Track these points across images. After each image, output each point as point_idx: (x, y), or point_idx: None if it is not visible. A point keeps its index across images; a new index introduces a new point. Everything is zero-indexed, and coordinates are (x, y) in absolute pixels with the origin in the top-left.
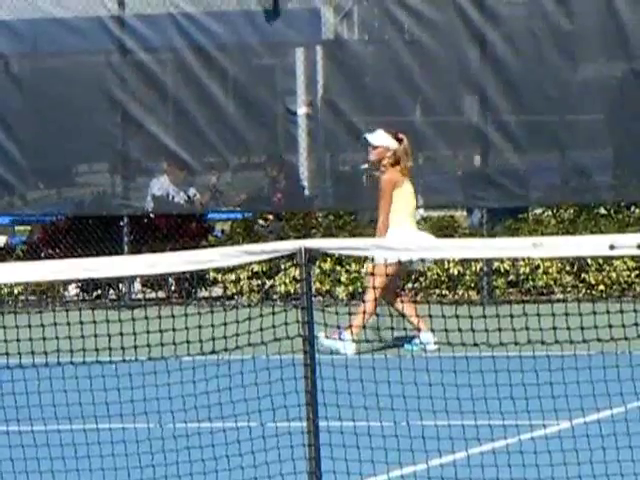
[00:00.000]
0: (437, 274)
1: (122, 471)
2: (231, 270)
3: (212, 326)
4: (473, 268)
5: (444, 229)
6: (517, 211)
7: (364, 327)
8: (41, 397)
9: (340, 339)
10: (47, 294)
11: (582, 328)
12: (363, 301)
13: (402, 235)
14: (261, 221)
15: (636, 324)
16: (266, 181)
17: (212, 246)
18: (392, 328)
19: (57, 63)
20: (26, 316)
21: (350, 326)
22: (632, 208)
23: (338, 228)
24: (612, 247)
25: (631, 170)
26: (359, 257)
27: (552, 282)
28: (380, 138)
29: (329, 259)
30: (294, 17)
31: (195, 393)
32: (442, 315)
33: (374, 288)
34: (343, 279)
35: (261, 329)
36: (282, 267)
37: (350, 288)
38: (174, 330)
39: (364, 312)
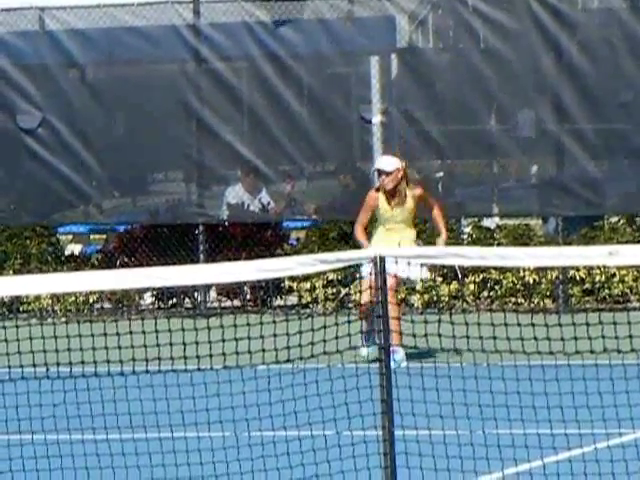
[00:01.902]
0: (513, 282)
1: None
2: (306, 278)
3: (287, 334)
4: (549, 276)
5: (519, 237)
6: (593, 219)
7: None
8: (116, 405)
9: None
10: (122, 303)
11: None
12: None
13: None
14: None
15: None
16: (341, 189)
17: (287, 254)
18: (467, 337)
19: (132, 72)
20: (102, 325)
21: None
22: None
23: None
24: None
25: None
26: (435, 265)
27: (628, 290)
28: (392, 163)
29: None
30: (369, 25)
31: (270, 402)
32: (518, 323)
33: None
34: (418, 287)
35: (336, 337)
36: (357, 275)
37: (425, 296)
38: (249, 339)
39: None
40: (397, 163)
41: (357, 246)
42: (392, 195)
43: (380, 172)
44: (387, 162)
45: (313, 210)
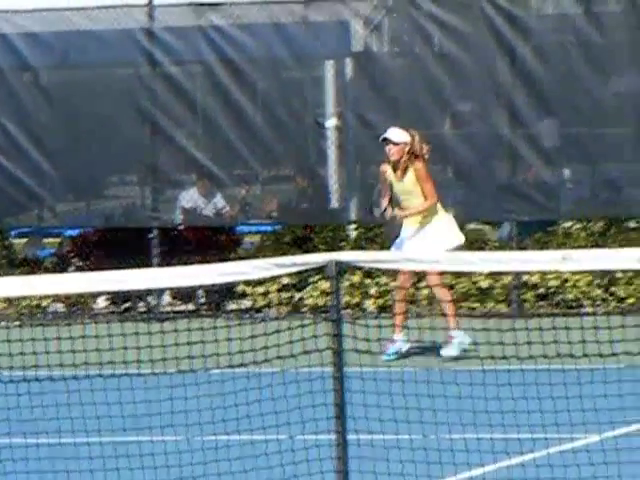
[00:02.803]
0: (467, 287)
1: None
2: (260, 283)
3: (241, 339)
4: (503, 281)
5: (474, 242)
6: (547, 224)
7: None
8: (70, 409)
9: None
10: (76, 306)
11: (611, 341)
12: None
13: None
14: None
15: None
16: (295, 194)
17: (241, 259)
18: (421, 341)
19: (87, 75)
20: (55, 328)
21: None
22: None
23: (367, 240)
24: None
25: None
26: (388, 270)
27: (581, 295)
28: (400, 135)
29: (358, 272)
30: (323, 29)
31: (224, 406)
32: (471, 328)
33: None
34: (372, 292)
35: (290, 342)
36: (311, 280)
37: (379, 301)
38: (203, 343)
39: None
40: (406, 137)
41: (310, 250)
42: (395, 168)
43: (387, 141)
44: (396, 133)
45: (267, 214)
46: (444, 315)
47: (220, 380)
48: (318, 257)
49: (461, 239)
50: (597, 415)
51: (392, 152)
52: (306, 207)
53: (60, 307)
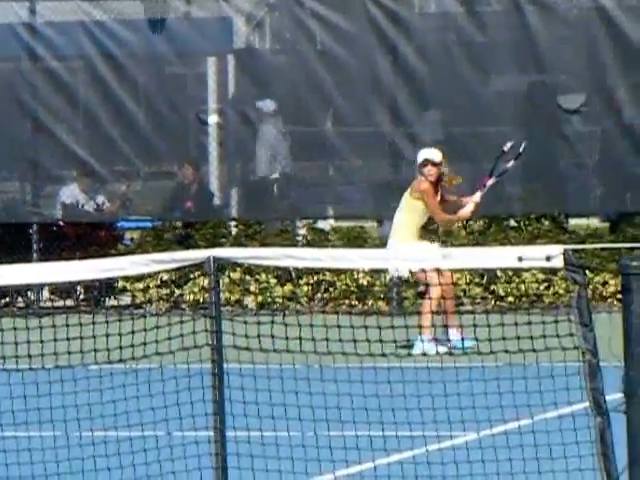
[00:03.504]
0: (346, 284)
1: None
2: (140, 279)
3: (120, 335)
4: (382, 279)
5: (354, 240)
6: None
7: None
8: None
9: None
10: None
11: (490, 340)
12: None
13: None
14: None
15: (544, 336)
16: (176, 190)
17: (121, 254)
18: (300, 338)
19: None
20: None
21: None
22: (541, 220)
23: (247, 237)
24: (521, 259)
25: (541, 182)
26: (268, 267)
27: (461, 293)
28: (439, 155)
29: (238, 269)
30: (206, 26)
31: (102, 401)
32: (351, 325)
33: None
34: (252, 289)
35: (169, 338)
36: (191, 276)
37: (259, 298)
38: (82, 338)
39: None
40: (440, 157)
41: (191, 247)
42: (434, 186)
43: (428, 162)
44: (436, 153)
45: (148, 210)
46: (445, 313)
47: (98, 376)
48: (197, 253)
49: None
50: (475, 413)
51: (431, 173)
52: (187, 203)
53: None
